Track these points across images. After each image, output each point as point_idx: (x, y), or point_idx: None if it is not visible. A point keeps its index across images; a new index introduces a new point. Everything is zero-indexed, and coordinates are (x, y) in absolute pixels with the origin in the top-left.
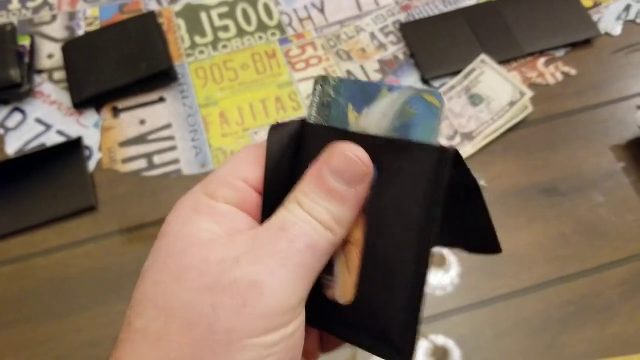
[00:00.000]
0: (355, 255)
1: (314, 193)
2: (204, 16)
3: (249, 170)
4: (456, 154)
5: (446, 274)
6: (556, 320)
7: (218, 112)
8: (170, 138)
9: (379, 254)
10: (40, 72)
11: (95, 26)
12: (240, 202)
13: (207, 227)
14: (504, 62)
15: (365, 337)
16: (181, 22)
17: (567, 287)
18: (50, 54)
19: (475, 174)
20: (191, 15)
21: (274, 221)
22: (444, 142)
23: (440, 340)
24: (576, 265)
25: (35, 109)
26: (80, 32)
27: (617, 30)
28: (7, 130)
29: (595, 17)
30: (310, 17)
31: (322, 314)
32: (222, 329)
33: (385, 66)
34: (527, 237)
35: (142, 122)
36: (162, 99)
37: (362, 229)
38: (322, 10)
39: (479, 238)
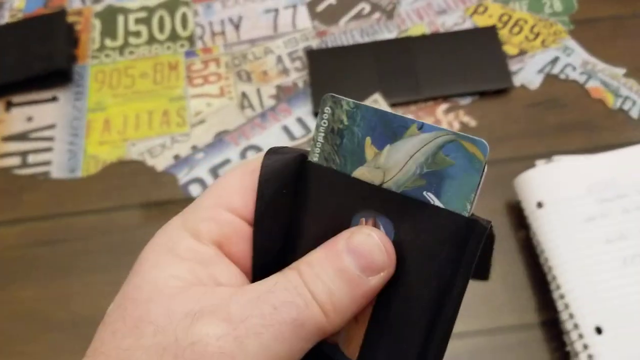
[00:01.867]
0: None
1: (320, 266)
2: (120, 19)
3: (235, 198)
4: (489, 230)
5: None
6: None
7: (103, 119)
8: (50, 139)
9: (388, 321)
10: None
11: (17, 18)
12: (227, 238)
13: (184, 275)
14: (404, 103)
15: None
16: (97, 23)
17: None
18: None
19: None
20: (109, 17)
21: (263, 282)
22: None
23: None
24: None
25: None
26: (2, 22)
27: (535, 83)
28: None
29: (515, 67)
30: (223, 32)
31: None
32: None
33: (282, 92)
34: None
35: (30, 119)
36: (54, 98)
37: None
38: (237, 27)
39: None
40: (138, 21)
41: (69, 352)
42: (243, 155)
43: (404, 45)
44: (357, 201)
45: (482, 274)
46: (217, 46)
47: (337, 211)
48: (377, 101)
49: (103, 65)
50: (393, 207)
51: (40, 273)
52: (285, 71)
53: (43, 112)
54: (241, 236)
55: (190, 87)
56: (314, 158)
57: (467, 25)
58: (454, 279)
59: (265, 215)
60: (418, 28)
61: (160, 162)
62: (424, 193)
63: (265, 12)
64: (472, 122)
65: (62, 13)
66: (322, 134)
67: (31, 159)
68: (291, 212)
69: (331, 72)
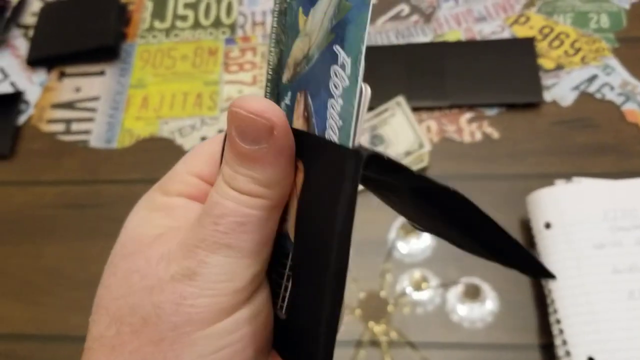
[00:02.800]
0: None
1: (232, 160)
2: (171, 2)
3: (203, 166)
4: (371, 160)
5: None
6: None
7: (142, 95)
8: (93, 110)
9: (304, 259)
10: (21, 26)
11: None
12: (194, 196)
13: (159, 222)
14: (428, 108)
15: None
16: (150, 5)
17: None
18: (34, 12)
19: None
20: (161, 0)
21: (204, 205)
22: None
23: None
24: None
25: (3, 58)
26: None
27: (567, 100)
28: None
29: (549, 82)
30: (263, 23)
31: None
32: (167, 328)
33: None
34: None
35: (78, 89)
36: (102, 73)
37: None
38: None
39: (523, 261)
40: (187, 6)
41: (82, 309)
42: None
43: (437, 50)
44: None
45: (540, 270)
46: (255, 36)
47: None
48: (400, 103)
49: (149, 45)
50: (301, 145)
51: (67, 233)
52: None
53: (91, 85)
54: (206, 197)
55: (225, 73)
56: (272, 43)
57: (506, 34)
58: (345, 203)
59: None
60: (454, 34)
61: (188, 142)
62: (334, 47)
63: None
64: (495, 134)
65: None
66: (276, 19)
67: (74, 127)
68: None
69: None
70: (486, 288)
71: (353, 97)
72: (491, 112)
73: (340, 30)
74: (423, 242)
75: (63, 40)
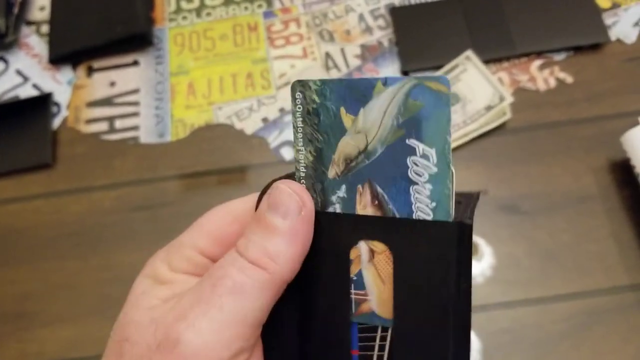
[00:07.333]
0: (385, 262)
1: (251, 232)
2: None
3: (208, 244)
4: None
5: None
6: (485, 346)
7: (187, 82)
8: (135, 103)
9: (413, 325)
10: (30, 23)
11: None
12: (196, 274)
13: (161, 294)
14: (495, 60)
15: None
16: None
17: (505, 313)
18: (42, 7)
19: None
20: None
21: (209, 270)
22: None
23: None
24: (520, 292)
25: (18, 59)
26: None
27: (631, 37)
28: None
29: (609, 20)
30: None
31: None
32: None
33: (367, 52)
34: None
35: (112, 83)
36: (136, 62)
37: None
38: None
39: None
40: None
41: None
42: None
43: (494, 0)
44: (351, 235)
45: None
46: (295, 6)
47: (337, 250)
48: (470, 58)
49: (181, 27)
50: (385, 230)
51: (140, 238)
52: (368, 30)
53: (125, 77)
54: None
55: (272, 48)
56: (299, 142)
57: None
58: (460, 274)
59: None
60: None
61: (249, 125)
62: (407, 141)
63: None
64: (569, 79)
65: None
66: (300, 119)
67: (118, 124)
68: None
69: (418, 29)
70: (481, 243)
71: (446, 180)
72: (559, 56)
73: (411, 126)
74: None
75: (87, 32)
